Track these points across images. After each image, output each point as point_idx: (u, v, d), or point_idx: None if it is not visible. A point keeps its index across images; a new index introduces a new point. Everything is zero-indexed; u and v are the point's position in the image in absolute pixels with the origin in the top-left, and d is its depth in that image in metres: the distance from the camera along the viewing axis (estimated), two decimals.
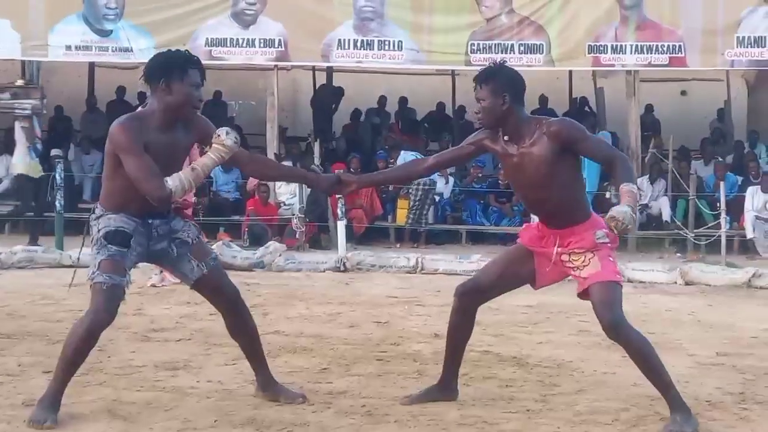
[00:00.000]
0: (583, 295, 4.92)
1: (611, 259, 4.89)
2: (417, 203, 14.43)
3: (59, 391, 4.83)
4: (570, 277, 5.06)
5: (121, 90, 17.89)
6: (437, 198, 15.00)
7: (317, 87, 18.24)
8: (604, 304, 4.77)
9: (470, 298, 5.18)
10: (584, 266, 4.87)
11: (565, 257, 4.93)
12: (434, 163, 5.37)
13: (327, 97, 18.00)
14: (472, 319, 5.24)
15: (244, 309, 5.21)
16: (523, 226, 5.39)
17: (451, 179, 15.46)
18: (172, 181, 4.71)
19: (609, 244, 4.89)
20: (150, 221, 4.93)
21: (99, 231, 4.87)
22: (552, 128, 4.84)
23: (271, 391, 5.28)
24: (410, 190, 14.58)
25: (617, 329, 4.77)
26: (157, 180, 4.69)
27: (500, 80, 4.93)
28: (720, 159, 15.49)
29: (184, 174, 4.77)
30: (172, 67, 4.84)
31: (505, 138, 4.97)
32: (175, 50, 4.99)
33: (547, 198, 4.91)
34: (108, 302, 4.78)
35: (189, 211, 9.05)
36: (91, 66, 17.33)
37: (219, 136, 4.87)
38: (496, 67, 5.03)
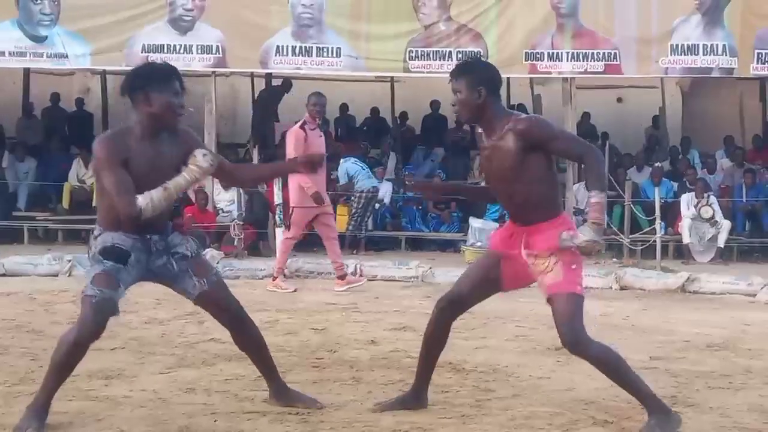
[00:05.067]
0: (549, 302, 4.90)
1: (574, 267, 4.85)
2: (359, 210, 14.43)
3: (46, 400, 4.85)
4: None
5: (55, 96, 17.71)
6: (377, 205, 15.01)
7: (259, 91, 18.06)
8: (563, 318, 4.76)
9: (450, 310, 5.18)
10: (547, 272, 4.84)
11: (530, 260, 4.91)
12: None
13: (271, 97, 17.82)
14: (448, 330, 5.24)
15: (249, 322, 5.20)
16: (494, 228, 5.42)
17: (389, 184, 15.44)
18: (142, 199, 4.72)
19: (574, 248, 4.83)
20: (148, 237, 4.92)
21: (96, 248, 4.87)
22: (519, 126, 4.83)
23: (286, 398, 5.28)
24: (352, 198, 14.58)
25: (576, 345, 4.78)
26: (128, 196, 4.70)
27: (476, 74, 4.95)
28: (657, 164, 15.69)
29: (156, 192, 4.76)
30: (150, 78, 4.88)
31: (479, 131, 5.03)
32: (152, 62, 5.05)
33: (514, 192, 4.89)
34: (95, 315, 4.75)
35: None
36: (26, 72, 17.10)
37: (195, 156, 4.88)
38: (472, 61, 5.12)
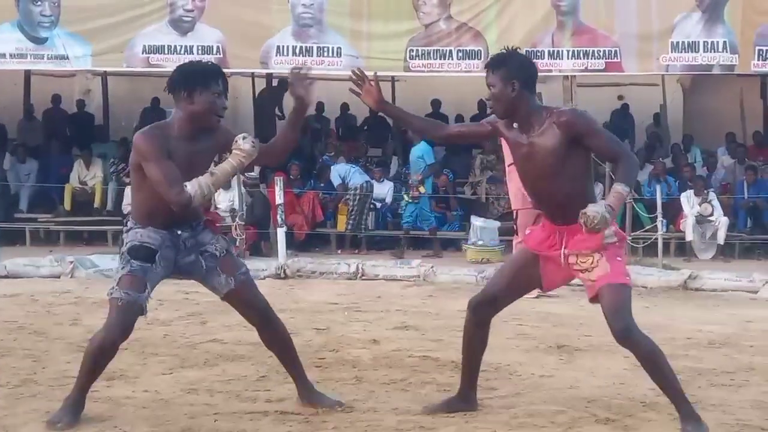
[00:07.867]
0: (595, 299, 4.86)
1: (619, 259, 4.83)
2: (355, 207, 14.44)
3: (80, 396, 4.99)
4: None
5: (56, 98, 17.71)
6: (378, 204, 15.03)
7: (259, 91, 18.13)
8: (615, 309, 4.73)
9: (484, 311, 5.14)
10: (593, 268, 4.79)
11: (572, 259, 4.85)
12: (455, 133, 5.47)
13: (267, 100, 17.89)
14: (487, 330, 5.21)
15: (276, 320, 5.23)
16: (527, 230, 5.31)
17: (391, 184, 15.47)
18: (191, 186, 4.75)
19: (617, 243, 4.82)
20: (179, 233, 4.96)
21: (126, 245, 4.93)
22: (562, 118, 4.77)
23: (309, 400, 5.27)
24: (348, 197, 14.60)
25: (627, 336, 4.73)
26: (177, 186, 4.73)
27: (510, 66, 4.88)
28: (660, 160, 15.67)
29: (203, 179, 4.80)
30: (194, 77, 4.91)
31: (515, 126, 4.93)
32: (198, 61, 5.11)
33: (556, 190, 4.82)
34: (121, 318, 4.82)
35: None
36: (27, 74, 17.09)
37: (237, 141, 4.91)
38: (507, 53, 4.97)
